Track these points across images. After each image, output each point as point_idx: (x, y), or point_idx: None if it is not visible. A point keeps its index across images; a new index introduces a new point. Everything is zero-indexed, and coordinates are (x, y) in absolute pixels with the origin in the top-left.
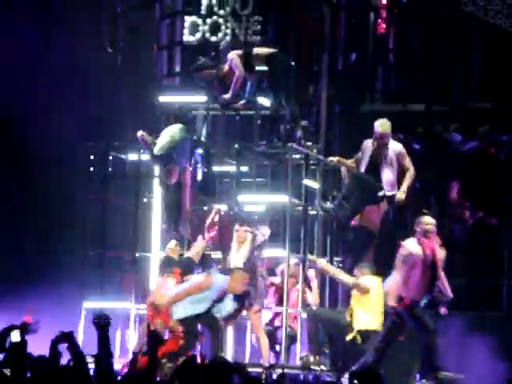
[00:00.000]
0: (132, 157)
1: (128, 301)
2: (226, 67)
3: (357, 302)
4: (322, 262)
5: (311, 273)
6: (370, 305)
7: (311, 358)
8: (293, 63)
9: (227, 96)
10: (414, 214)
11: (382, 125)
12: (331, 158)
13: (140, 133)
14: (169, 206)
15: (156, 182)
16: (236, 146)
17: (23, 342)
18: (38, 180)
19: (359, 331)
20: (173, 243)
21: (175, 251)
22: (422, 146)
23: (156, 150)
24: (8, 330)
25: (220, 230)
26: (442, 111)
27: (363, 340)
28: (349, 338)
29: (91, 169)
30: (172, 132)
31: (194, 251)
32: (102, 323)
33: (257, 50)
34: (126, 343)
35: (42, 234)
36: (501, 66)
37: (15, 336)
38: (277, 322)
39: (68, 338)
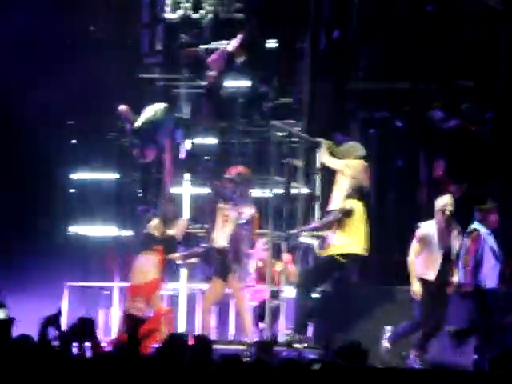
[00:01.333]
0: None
1: (110, 279)
2: (211, 73)
3: (338, 225)
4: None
5: (286, 257)
6: (350, 228)
7: (296, 336)
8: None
9: (212, 73)
10: (398, 193)
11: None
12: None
13: (122, 107)
14: (149, 185)
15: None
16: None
17: (9, 321)
18: (19, 155)
19: (339, 254)
20: (155, 221)
21: (157, 229)
22: (405, 123)
23: (137, 124)
24: None
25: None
26: (427, 89)
27: (342, 262)
28: (325, 253)
29: (74, 146)
30: (155, 111)
31: (177, 229)
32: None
33: (230, 46)
34: (109, 322)
35: (24, 211)
36: (485, 43)
37: (0, 314)
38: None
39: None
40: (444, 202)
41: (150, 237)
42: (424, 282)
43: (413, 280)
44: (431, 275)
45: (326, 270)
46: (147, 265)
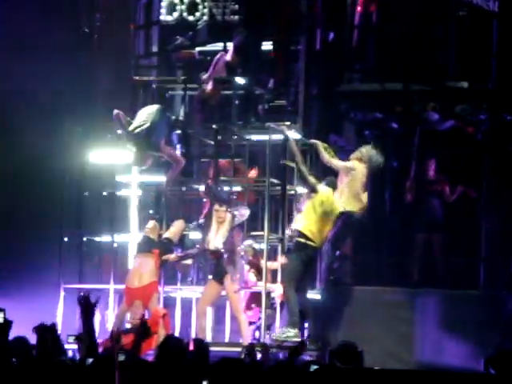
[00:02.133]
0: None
1: (107, 282)
2: (209, 87)
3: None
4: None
5: (283, 260)
6: (313, 213)
7: (286, 334)
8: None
9: (206, 76)
10: (392, 193)
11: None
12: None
13: (116, 111)
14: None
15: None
16: (214, 126)
17: (6, 324)
18: (15, 163)
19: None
20: (151, 223)
21: (154, 231)
22: (399, 125)
23: (132, 128)
24: None
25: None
26: (420, 90)
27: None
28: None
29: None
30: (149, 113)
31: (173, 231)
32: (85, 303)
33: (228, 56)
34: (106, 324)
35: (20, 217)
36: (478, 45)
37: None
38: None
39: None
40: None
41: (148, 239)
42: None
43: None
44: None
45: (294, 258)
46: (144, 268)
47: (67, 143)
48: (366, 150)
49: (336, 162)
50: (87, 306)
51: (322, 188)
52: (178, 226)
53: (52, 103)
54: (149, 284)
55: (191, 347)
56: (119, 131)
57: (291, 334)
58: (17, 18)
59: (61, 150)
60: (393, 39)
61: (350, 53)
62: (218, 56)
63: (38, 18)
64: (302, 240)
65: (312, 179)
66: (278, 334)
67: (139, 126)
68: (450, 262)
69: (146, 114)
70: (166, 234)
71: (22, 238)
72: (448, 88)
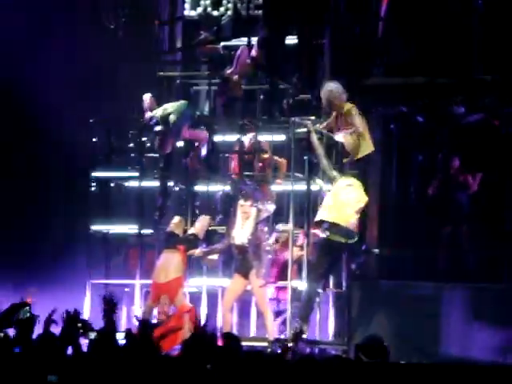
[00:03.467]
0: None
1: (133, 276)
2: (236, 77)
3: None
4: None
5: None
6: (336, 202)
7: (303, 328)
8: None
9: (230, 71)
10: (418, 186)
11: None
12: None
13: (146, 95)
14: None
15: None
16: (240, 121)
17: (32, 319)
18: (42, 155)
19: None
20: (177, 219)
21: (179, 227)
22: (425, 118)
23: (157, 115)
24: (17, 306)
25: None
26: (446, 83)
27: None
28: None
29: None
30: (175, 107)
31: (198, 227)
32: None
33: (254, 52)
34: (132, 319)
35: (47, 210)
36: (504, 37)
37: (25, 312)
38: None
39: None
40: None
41: (172, 235)
42: None
43: None
44: None
45: (321, 253)
46: (169, 263)
47: (92, 137)
48: (329, 87)
49: (357, 124)
50: (110, 305)
51: (342, 179)
52: (203, 221)
53: (76, 98)
54: (175, 279)
55: (220, 342)
56: (145, 115)
57: (305, 328)
58: (42, 13)
59: (87, 145)
60: (418, 32)
61: (375, 46)
62: (239, 51)
63: (63, 13)
64: (317, 232)
65: (333, 172)
66: (294, 329)
67: (163, 112)
68: (477, 254)
69: (173, 107)
70: (192, 230)
71: (47, 234)
72: (474, 81)
